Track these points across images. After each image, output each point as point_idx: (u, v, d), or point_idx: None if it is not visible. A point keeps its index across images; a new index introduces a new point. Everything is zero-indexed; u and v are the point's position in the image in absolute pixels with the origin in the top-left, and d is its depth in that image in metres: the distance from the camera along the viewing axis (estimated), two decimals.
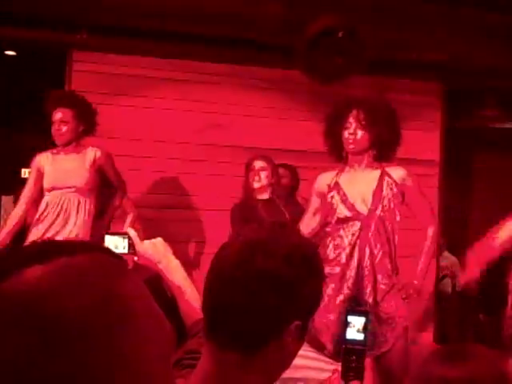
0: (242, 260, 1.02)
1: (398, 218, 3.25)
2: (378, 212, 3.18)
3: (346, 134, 3.27)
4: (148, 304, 0.61)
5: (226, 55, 5.23)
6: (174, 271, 1.59)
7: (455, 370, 1.24)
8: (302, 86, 5.27)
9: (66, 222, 3.90)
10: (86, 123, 4.01)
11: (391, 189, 3.22)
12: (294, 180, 4.89)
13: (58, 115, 3.90)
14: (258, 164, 4.13)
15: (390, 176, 3.24)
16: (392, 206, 3.21)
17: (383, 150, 3.26)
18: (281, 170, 4.53)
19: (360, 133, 3.23)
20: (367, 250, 3.19)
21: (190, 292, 1.56)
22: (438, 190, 5.98)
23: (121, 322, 0.56)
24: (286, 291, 1.02)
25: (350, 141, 3.24)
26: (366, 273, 3.19)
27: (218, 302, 1.04)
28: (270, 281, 1.01)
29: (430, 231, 3.30)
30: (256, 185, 4.08)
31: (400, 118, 3.38)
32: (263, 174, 4.09)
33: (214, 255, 1.09)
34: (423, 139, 5.80)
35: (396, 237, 3.27)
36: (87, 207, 3.95)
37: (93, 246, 0.62)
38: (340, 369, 1.15)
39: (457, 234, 7.73)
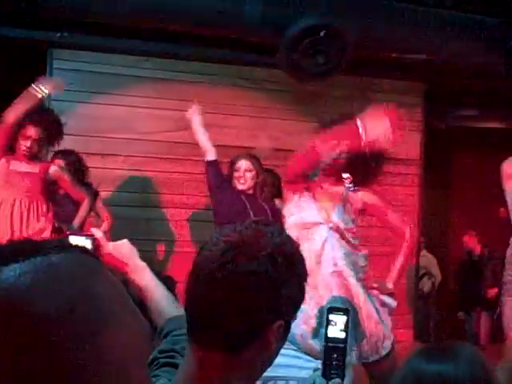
0: (226, 261, 1.02)
1: None
2: None
3: None
4: (125, 302, 0.62)
5: (206, 54, 5.23)
6: (141, 272, 1.58)
7: (447, 366, 1.26)
8: (284, 85, 5.29)
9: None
10: (53, 140, 4.05)
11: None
12: (274, 188, 4.76)
13: (29, 132, 3.87)
14: (244, 165, 4.01)
15: None
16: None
17: None
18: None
19: None
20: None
21: (158, 292, 1.55)
22: (418, 188, 6.03)
23: (97, 320, 0.56)
24: (269, 291, 1.03)
25: None
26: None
27: (202, 302, 1.04)
28: (253, 281, 1.01)
29: (407, 232, 3.31)
30: (240, 187, 3.97)
31: None
32: (249, 175, 4.00)
33: (197, 254, 1.09)
34: (405, 138, 5.83)
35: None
36: (40, 211, 3.96)
37: (70, 245, 0.62)
38: (320, 366, 1.15)
39: (436, 233, 7.81)
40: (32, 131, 3.87)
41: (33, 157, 3.95)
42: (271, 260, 1.03)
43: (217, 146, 5.30)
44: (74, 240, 1.57)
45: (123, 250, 1.62)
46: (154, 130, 5.22)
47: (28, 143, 3.87)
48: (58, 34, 4.79)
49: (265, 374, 1.19)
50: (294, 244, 1.11)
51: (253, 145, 5.45)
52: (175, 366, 1.20)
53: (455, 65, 5.20)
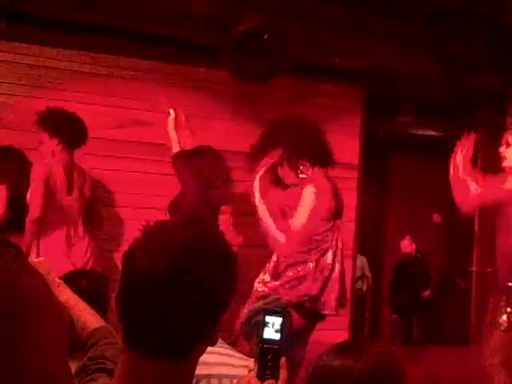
0: (170, 269, 1.00)
1: None
2: None
3: None
4: (46, 296, 0.62)
5: (151, 52, 5.18)
6: (59, 289, 1.58)
7: (347, 361, 1.29)
8: (227, 86, 5.30)
9: None
10: None
11: None
12: None
13: None
14: None
15: None
16: None
17: None
18: None
19: None
20: None
21: (79, 306, 1.56)
22: (355, 192, 6.13)
23: (18, 311, 0.57)
24: (214, 296, 1.03)
25: None
26: None
27: (145, 312, 1.01)
28: (199, 289, 1.01)
29: None
30: None
31: (322, 121, 3.50)
32: None
33: (126, 259, 1.06)
34: (344, 143, 5.94)
35: None
36: None
37: None
38: (255, 367, 1.17)
39: (373, 236, 7.97)
40: None
41: None
42: (215, 266, 1.03)
43: (158, 145, 5.30)
44: None
45: (40, 267, 1.61)
46: (95, 126, 5.14)
47: None
48: None
49: (198, 373, 1.19)
50: (228, 245, 1.11)
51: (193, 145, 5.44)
52: (107, 371, 1.19)
53: (393, 72, 5.33)
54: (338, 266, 3.49)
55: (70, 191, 4.16)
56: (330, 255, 3.44)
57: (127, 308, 1.03)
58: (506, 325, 3.36)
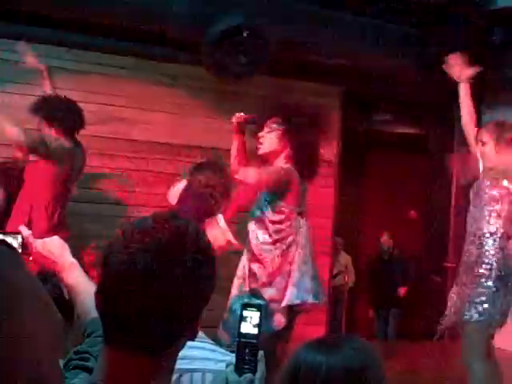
0: (146, 266, 0.99)
1: None
2: None
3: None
4: (37, 293, 0.63)
5: (130, 48, 5.17)
6: (70, 270, 1.55)
7: (320, 357, 1.32)
8: (207, 82, 5.30)
9: None
10: None
11: None
12: None
13: None
14: None
15: None
16: None
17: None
18: None
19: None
20: None
21: (86, 291, 1.50)
22: (333, 189, 6.18)
23: (8, 306, 0.58)
24: (192, 294, 1.03)
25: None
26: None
27: (122, 307, 1.00)
28: (177, 285, 1.00)
29: None
30: None
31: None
32: None
33: (105, 255, 1.05)
34: (323, 140, 5.97)
35: None
36: None
37: None
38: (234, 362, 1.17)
39: (350, 232, 8.03)
40: None
41: None
42: (194, 263, 1.02)
43: (136, 142, 5.29)
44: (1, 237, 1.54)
45: (53, 247, 1.59)
46: None
47: None
48: None
49: (182, 367, 1.21)
50: (208, 240, 1.09)
51: (172, 141, 5.45)
52: (85, 368, 1.19)
53: (372, 71, 5.37)
54: (302, 261, 3.49)
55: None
56: (293, 249, 3.47)
57: (106, 304, 1.03)
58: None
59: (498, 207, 3.57)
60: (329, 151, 6.09)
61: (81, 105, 4.49)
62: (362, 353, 1.36)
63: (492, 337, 3.58)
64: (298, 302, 3.44)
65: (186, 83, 5.48)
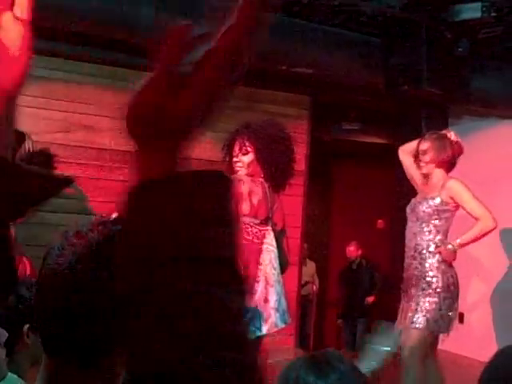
0: (68, 269, 0.94)
1: None
2: None
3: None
4: None
5: (98, 56, 5.11)
6: None
7: (311, 378, 1.31)
8: None
9: None
10: None
11: None
12: None
13: None
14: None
15: None
16: None
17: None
18: None
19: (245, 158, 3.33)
20: None
21: None
22: (302, 198, 6.19)
23: None
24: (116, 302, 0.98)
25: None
26: None
27: (49, 313, 0.96)
28: (102, 289, 0.93)
29: None
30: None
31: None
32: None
33: (43, 261, 1.00)
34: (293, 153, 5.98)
35: None
36: None
37: None
38: None
39: (318, 242, 8.06)
40: None
41: None
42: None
43: (93, 149, 5.21)
44: None
45: None
46: (39, 130, 5.02)
47: None
48: None
49: None
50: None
51: (132, 148, 5.38)
52: None
53: (339, 80, 5.41)
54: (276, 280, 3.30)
55: None
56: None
57: (38, 311, 0.99)
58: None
59: (433, 222, 3.85)
60: (297, 160, 6.11)
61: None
62: (354, 374, 1.35)
63: (435, 343, 3.83)
64: (283, 325, 3.30)
65: None
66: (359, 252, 7.63)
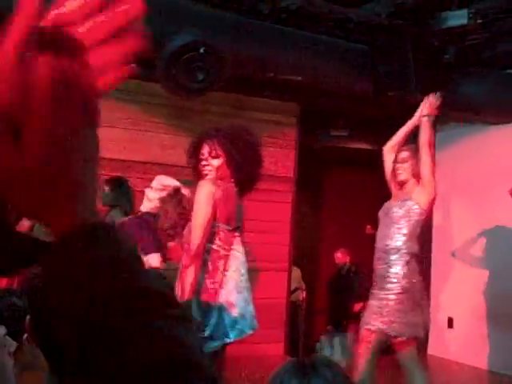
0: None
1: None
2: None
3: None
4: None
5: None
6: None
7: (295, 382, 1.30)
8: (161, 98, 5.26)
9: None
10: None
11: None
12: None
13: None
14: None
15: None
16: None
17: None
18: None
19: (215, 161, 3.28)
20: None
21: None
22: (291, 205, 6.19)
23: None
24: None
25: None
26: None
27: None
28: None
29: None
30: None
31: (258, 135, 3.47)
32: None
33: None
34: (280, 157, 6.00)
35: None
36: None
37: None
38: None
39: (307, 248, 8.05)
40: None
41: None
42: None
43: None
44: None
45: None
46: None
47: None
48: None
49: None
50: None
51: (127, 158, 5.38)
52: None
53: (327, 87, 5.42)
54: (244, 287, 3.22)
55: None
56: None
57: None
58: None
59: (403, 225, 3.99)
60: (286, 167, 6.12)
61: None
62: (340, 377, 1.35)
63: (422, 348, 3.95)
64: (250, 332, 3.21)
65: (140, 99, 5.42)
66: (347, 258, 7.62)
